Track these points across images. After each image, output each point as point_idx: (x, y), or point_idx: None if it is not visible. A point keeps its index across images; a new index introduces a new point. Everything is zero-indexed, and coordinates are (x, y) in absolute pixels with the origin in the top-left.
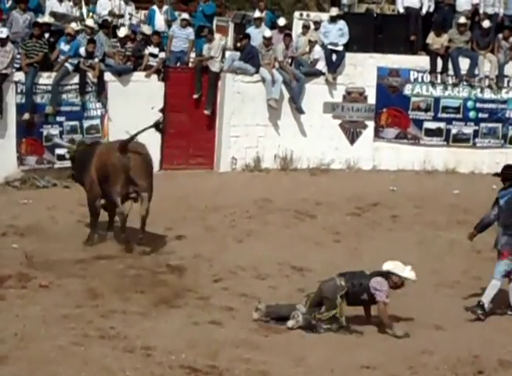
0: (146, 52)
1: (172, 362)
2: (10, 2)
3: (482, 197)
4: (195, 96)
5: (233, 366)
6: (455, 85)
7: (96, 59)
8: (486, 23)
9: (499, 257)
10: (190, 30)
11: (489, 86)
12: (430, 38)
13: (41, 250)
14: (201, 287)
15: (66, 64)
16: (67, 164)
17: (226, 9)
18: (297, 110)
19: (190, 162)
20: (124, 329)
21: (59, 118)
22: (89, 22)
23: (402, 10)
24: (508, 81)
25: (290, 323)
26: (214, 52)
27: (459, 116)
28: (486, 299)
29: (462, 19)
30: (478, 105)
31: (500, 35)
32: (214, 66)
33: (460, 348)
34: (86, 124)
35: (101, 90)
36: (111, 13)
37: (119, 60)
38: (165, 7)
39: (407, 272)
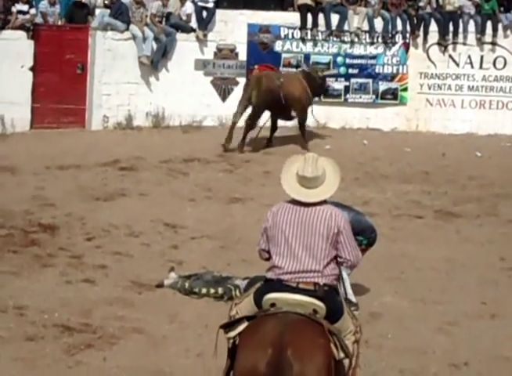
0: (14, 9)
1: (45, 321)
2: None
3: (353, 151)
4: None
5: (107, 323)
6: (325, 41)
7: None
8: None
9: None
10: None
11: (357, 36)
12: None
13: None
14: (74, 246)
15: None
16: None
17: None
18: (152, 64)
19: (61, 121)
20: None
21: None
22: None
23: None
24: (377, 37)
25: None
26: None
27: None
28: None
29: None
30: (348, 61)
31: None
32: None
33: None
34: None
35: None
36: None
37: None
38: None
39: None
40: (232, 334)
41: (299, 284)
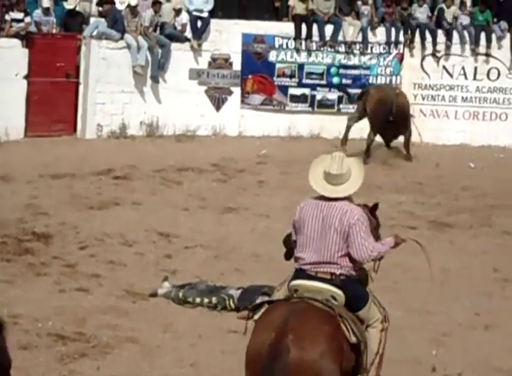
0: (8, 17)
1: (39, 329)
2: None
3: None
4: None
5: (101, 332)
6: (319, 51)
7: None
8: None
9: None
10: None
11: (350, 48)
12: (292, 1)
13: None
14: (68, 255)
15: None
16: None
17: None
18: (152, 79)
19: (53, 129)
20: None
21: None
22: None
23: None
24: (371, 48)
25: None
26: None
27: (323, 82)
28: None
29: None
30: (342, 71)
31: (359, 2)
32: None
33: None
34: None
35: None
36: None
37: None
38: None
39: None
40: (256, 317)
41: (317, 273)
